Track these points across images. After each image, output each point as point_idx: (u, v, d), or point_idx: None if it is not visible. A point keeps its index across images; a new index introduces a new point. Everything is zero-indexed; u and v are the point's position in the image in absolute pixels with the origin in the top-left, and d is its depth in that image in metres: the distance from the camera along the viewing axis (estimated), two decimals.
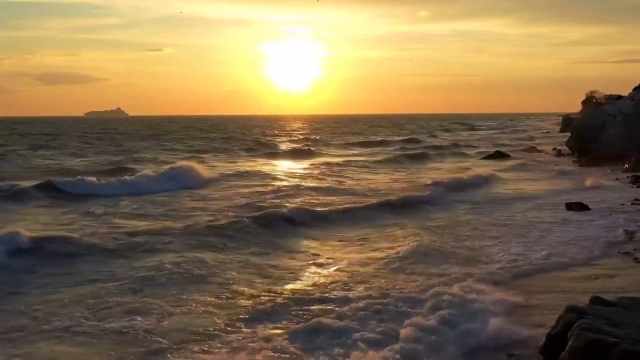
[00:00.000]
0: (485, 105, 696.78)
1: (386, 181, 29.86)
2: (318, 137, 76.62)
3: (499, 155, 43.53)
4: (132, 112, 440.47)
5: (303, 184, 27.95)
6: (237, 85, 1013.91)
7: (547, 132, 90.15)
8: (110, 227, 16.96)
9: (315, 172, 33.89)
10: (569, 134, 74.64)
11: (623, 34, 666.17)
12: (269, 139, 71.95)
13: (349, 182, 29.43)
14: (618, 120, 37.20)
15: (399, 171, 35.76)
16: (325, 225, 18.18)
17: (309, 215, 19.02)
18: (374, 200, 21.96)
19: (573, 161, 38.66)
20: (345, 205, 21.00)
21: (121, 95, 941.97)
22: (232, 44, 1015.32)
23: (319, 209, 20.21)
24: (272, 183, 28.30)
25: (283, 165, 39.06)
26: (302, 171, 34.70)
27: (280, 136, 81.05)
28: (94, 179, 25.58)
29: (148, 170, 30.69)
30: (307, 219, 18.49)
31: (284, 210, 19.24)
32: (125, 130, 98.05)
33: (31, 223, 17.45)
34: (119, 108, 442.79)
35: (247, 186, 26.96)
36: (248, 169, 34.97)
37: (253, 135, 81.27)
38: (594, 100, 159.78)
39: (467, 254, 14.27)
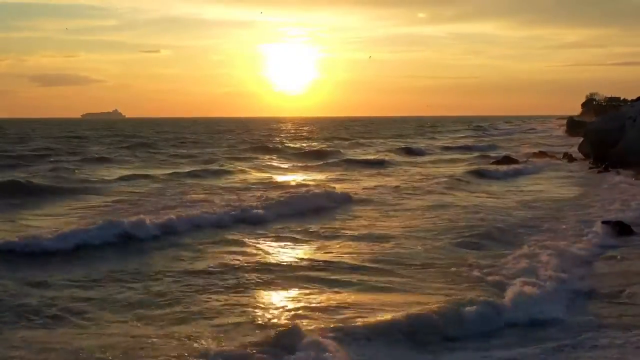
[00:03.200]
0: (484, 107, 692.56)
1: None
2: (358, 141, 70.41)
3: (507, 161, 40.21)
4: (129, 114, 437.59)
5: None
6: (234, 87, 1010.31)
7: (551, 135, 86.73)
8: None
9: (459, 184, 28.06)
10: (575, 136, 72.89)
11: (621, 37, 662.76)
12: (319, 144, 63.62)
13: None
14: (638, 123, 34.10)
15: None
16: None
17: None
18: None
19: (589, 168, 35.49)
20: None
21: (118, 97, 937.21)
22: (229, 45, 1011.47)
23: None
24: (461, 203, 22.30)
25: (396, 178, 32.05)
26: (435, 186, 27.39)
27: (321, 140, 74.35)
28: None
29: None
30: None
31: None
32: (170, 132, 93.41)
33: None
34: (115, 110, 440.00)
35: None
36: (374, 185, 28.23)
37: (285, 139, 74.74)
38: (595, 103, 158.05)
39: None
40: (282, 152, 51.71)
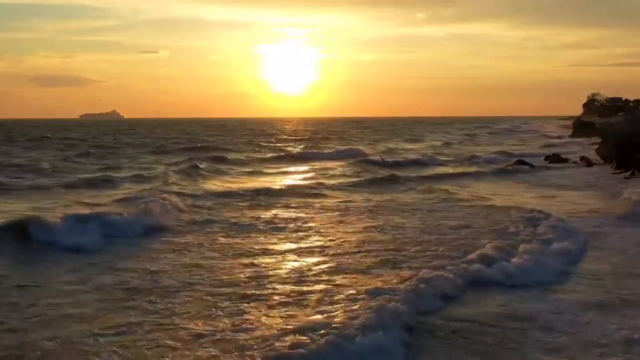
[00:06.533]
0: (484, 108, 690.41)
1: None
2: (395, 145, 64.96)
3: (521, 165, 37.25)
4: (127, 115, 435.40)
5: None
6: (233, 88, 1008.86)
7: (559, 136, 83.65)
8: None
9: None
10: (581, 137, 69.93)
11: (621, 38, 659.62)
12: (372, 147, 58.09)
13: None
14: None
15: None
16: None
17: None
18: None
19: (613, 173, 32.60)
20: None
21: (116, 98, 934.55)
22: (228, 46, 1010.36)
23: None
24: None
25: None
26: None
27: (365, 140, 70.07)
28: None
29: None
30: None
31: None
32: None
33: None
34: (114, 110, 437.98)
35: None
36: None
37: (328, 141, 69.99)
38: (596, 103, 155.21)
39: None
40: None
